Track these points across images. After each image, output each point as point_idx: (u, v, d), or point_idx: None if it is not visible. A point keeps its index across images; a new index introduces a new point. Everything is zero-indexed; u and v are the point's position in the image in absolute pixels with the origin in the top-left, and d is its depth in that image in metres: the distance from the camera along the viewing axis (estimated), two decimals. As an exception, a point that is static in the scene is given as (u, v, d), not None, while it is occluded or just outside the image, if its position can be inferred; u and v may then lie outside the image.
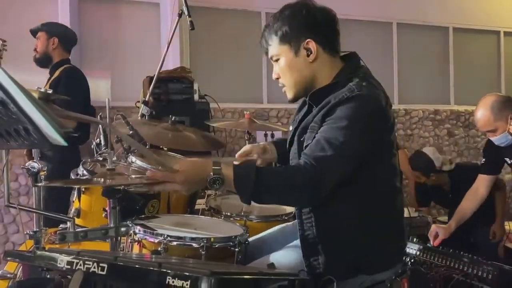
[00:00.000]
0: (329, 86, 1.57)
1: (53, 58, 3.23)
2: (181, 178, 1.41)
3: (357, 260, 1.52)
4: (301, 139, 1.58)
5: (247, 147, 1.82)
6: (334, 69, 1.60)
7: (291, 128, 1.73)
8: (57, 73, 3.18)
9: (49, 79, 3.20)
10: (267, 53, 1.65)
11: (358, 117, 1.45)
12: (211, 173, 1.40)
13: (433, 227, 2.74)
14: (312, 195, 1.43)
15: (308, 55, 1.57)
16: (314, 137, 1.49)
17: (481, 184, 2.88)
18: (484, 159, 2.94)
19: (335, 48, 1.62)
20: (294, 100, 1.65)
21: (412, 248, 2.53)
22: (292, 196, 1.47)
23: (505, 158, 2.81)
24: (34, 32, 3.26)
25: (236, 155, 1.78)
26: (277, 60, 1.62)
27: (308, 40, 1.56)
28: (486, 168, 2.90)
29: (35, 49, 3.23)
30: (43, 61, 3.23)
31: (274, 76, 1.66)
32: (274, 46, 1.60)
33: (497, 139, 2.64)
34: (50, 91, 2.03)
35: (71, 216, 2.06)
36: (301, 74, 1.59)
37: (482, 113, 2.63)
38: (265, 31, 1.63)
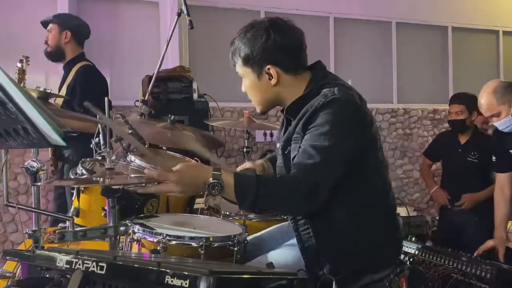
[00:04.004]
0: (302, 97, 1.60)
1: (66, 52, 3.13)
2: (176, 178, 1.42)
3: (361, 262, 1.53)
4: (286, 152, 1.61)
5: (246, 164, 1.84)
6: (301, 83, 1.62)
7: (278, 146, 1.75)
8: (72, 73, 3.10)
9: (64, 80, 3.14)
10: (235, 66, 1.68)
11: (338, 119, 1.48)
12: (211, 178, 1.41)
13: (491, 243, 2.67)
14: (310, 204, 1.45)
15: (270, 79, 1.60)
16: (300, 147, 1.51)
17: (504, 183, 2.79)
18: (494, 157, 2.87)
19: (299, 67, 1.63)
20: (263, 113, 1.73)
21: (411, 248, 2.53)
22: (291, 205, 1.49)
23: (510, 151, 2.76)
24: (45, 24, 3.16)
25: (237, 169, 1.79)
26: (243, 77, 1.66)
27: (268, 66, 1.58)
28: (500, 166, 2.84)
29: (45, 42, 3.13)
30: (55, 54, 3.14)
31: (242, 89, 1.70)
32: (239, 66, 1.64)
33: (501, 124, 2.63)
34: (49, 90, 2.04)
35: (70, 215, 2.06)
36: (264, 95, 1.64)
37: (485, 97, 2.63)
38: (231, 47, 1.65)
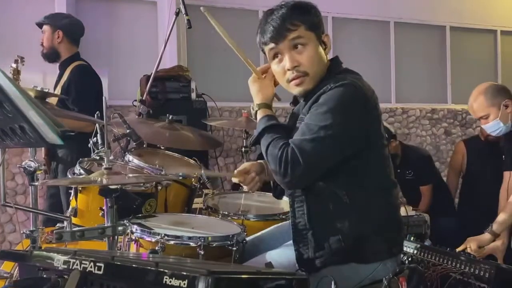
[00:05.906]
0: (319, 83, 1.61)
1: (61, 53, 3.13)
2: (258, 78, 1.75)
3: (347, 248, 1.52)
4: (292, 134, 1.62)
5: (246, 165, 1.79)
6: (326, 68, 1.65)
7: None
8: (67, 72, 3.09)
9: (59, 79, 3.14)
10: (276, 37, 1.56)
11: (339, 101, 1.49)
12: (258, 105, 1.66)
13: (489, 250, 2.52)
14: (285, 175, 1.46)
15: (324, 49, 1.64)
16: None
17: None
18: (503, 156, 2.77)
19: None
20: (305, 93, 1.62)
21: (409, 247, 2.53)
22: (272, 167, 1.52)
23: None
24: (39, 26, 3.17)
25: (235, 172, 1.76)
26: (297, 46, 1.57)
27: (326, 34, 1.64)
28: (509, 163, 2.71)
29: (41, 44, 3.14)
30: (50, 56, 3.14)
31: (293, 63, 1.56)
32: (301, 30, 1.56)
33: (489, 127, 2.60)
34: (47, 89, 2.03)
35: (68, 215, 2.05)
36: (322, 65, 1.62)
37: (476, 98, 2.61)
38: (279, 12, 1.57)
